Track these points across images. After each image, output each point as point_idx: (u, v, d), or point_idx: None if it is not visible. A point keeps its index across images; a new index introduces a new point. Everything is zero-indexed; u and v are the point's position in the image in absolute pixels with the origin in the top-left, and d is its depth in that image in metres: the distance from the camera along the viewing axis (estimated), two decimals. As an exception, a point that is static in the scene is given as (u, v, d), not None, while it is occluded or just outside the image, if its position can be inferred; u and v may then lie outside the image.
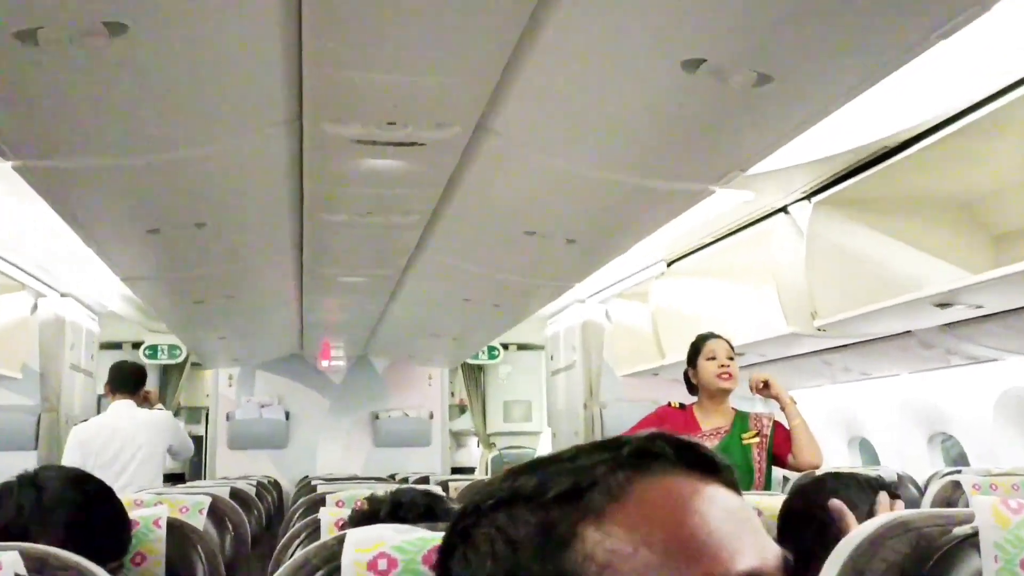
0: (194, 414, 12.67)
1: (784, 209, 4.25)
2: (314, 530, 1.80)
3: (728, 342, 3.59)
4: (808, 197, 4.03)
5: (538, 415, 10.06)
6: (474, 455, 12.31)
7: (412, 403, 8.10)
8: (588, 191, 2.76)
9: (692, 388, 3.55)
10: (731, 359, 3.52)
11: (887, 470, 4.59)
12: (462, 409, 11.79)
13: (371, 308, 5.39)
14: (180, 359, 9.31)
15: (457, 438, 12.50)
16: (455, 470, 10.46)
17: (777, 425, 3.48)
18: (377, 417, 7.98)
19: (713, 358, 3.49)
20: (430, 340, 6.24)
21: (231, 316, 5.07)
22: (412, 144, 2.49)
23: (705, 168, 2.49)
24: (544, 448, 10.12)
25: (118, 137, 2.33)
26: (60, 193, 2.55)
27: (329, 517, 1.75)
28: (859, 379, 5.29)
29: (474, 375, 10.44)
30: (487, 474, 10.03)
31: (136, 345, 9.23)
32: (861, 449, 5.92)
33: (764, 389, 3.55)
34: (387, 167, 2.70)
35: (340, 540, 0.99)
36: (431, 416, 8.08)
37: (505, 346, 9.74)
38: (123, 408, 4.72)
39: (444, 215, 3.26)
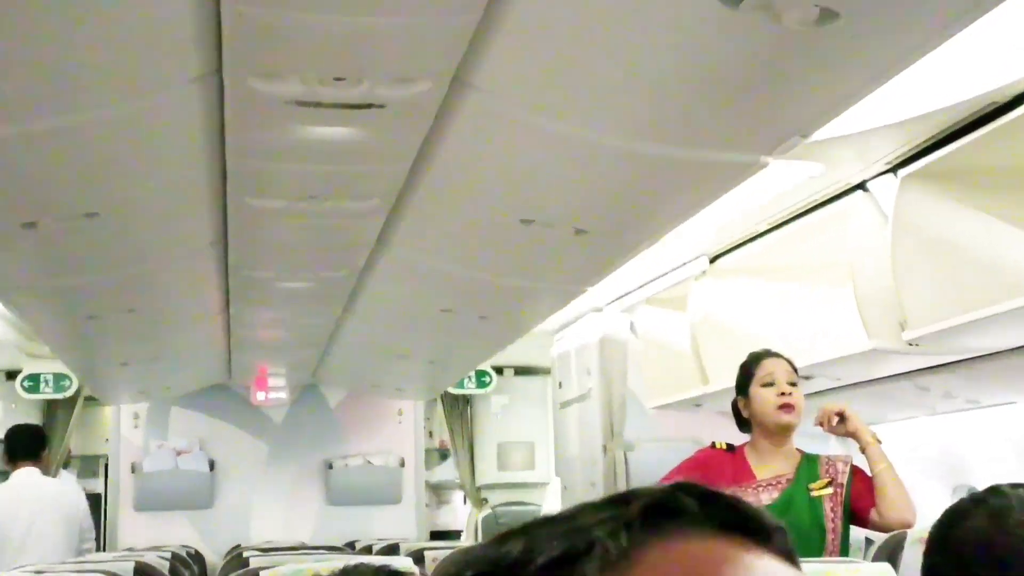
0: (89, 465, 12.67)
1: (862, 186, 4.26)
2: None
3: (790, 362, 3.61)
4: (893, 170, 4.03)
5: (543, 461, 10.05)
6: (460, 515, 12.31)
7: (377, 447, 8.11)
8: (602, 165, 2.76)
9: (743, 423, 3.56)
10: (794, 385, 3.53)
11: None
12: (443, 454, 11.80)
13: (320, 322, 5.40)
14: (70, 392, 9.30)
15: (438, 492, 12.51)
16: (435, 535, 10.46)
17: (856, 471, 3.48)
18: (331, 466, 7.99)
19: (771, 384, 3.48)
20: (399, 363, 6.25)
21: (135, 335, 5.08)
22: (368, 106, 2.50)
23: (755, 133, 2.50)
24: (552, 505, 10.14)
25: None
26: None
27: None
28: (965, 409, 5.30)
29: (459, 409, 10.44)
30: (477, 539, 10.04)
31: (11, 375, 9.23)
32: (969, 501, 5.92)
33: (839, 424, 3.55)
34: (334, 136, 2.70)
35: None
36: (402, 464, 8.09)
37: (499, 370, 9.74)
38: (27, 477, 5.00)
39: (413, 199, 3.27)
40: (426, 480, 9.60)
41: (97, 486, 12.78)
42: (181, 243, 3.73)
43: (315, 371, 7.27)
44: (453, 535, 11.65)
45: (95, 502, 12.78)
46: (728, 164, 2.67)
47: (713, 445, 3.56)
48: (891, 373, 4.91)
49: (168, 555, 4.86)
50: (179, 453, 7.84)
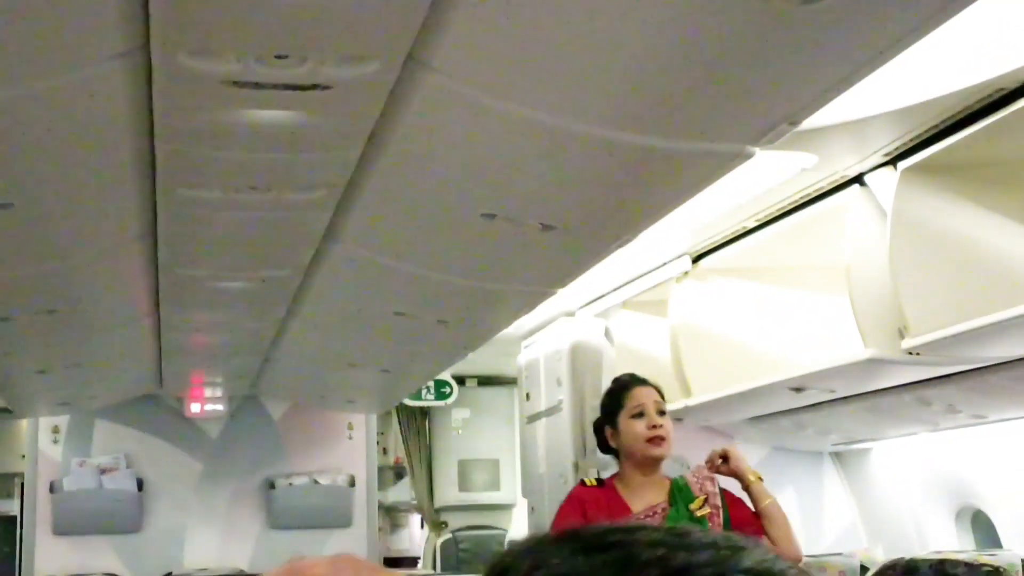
0: (3, 484, 12.60)
1: (859, 179, 4.29)
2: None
3: (658, 389, 3.90)
4: (892, 162, 4.06)
5: (509, 481, 10.07)
6: (417, 540, 12.31)
7: (324, 465, 8.09)
8: (571, 155, 2.77)
9: (608, 450, 3.83)
10: (663, 414, 3.78)
11: (1012, 556, 4.63)
12: (399, 473, 11.80)
13: (261, 327, 5.38)
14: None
15: (392, 515, 12.52)
16: (388, 562, 10.46)
17: (729, 497, 3.74)
18: (273, 486, 7.97)
19: (640, 415, 3.72)
20: (348, 373, 6.24)
21: (54, 339, 5.05)
22: (312, 87, 2.49)
23: (739, 120, 2.51)
24: (518, 529, 10.14)
25: None
26: None
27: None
28: (970, 424, 5.34)
29: (416, 423, 10.44)
30: (435, 568, 10.04)
31: (-84, 383, 9.16)
32: (974, 525, 5.98)
33: (722, 464, 3.89)
34: (276, 120, 2.69)
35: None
36: (352, 483, 8.08)
37: (460, 380, 9.74)
38: None
39: (363, 190, 3.26)
40: (379, 501, 9.59)
41: (12, 507, 12.72)
42: (105, 237, 3.71)
43: (255, 381, 7.24)
44: (408, 562, 11.66)
45: (10, 525, 12.78)
46: (710, 154, 2.68)
47: (583, 482, 3.80)
48: (890, 385, 4.94)
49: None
50: (104, 471, 7.79)
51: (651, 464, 3.71)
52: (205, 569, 7.54)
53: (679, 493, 3.70)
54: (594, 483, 3.79)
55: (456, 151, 2.89)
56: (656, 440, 3.67)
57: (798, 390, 5.02)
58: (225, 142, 2.85)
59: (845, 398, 5.32)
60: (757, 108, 2.45)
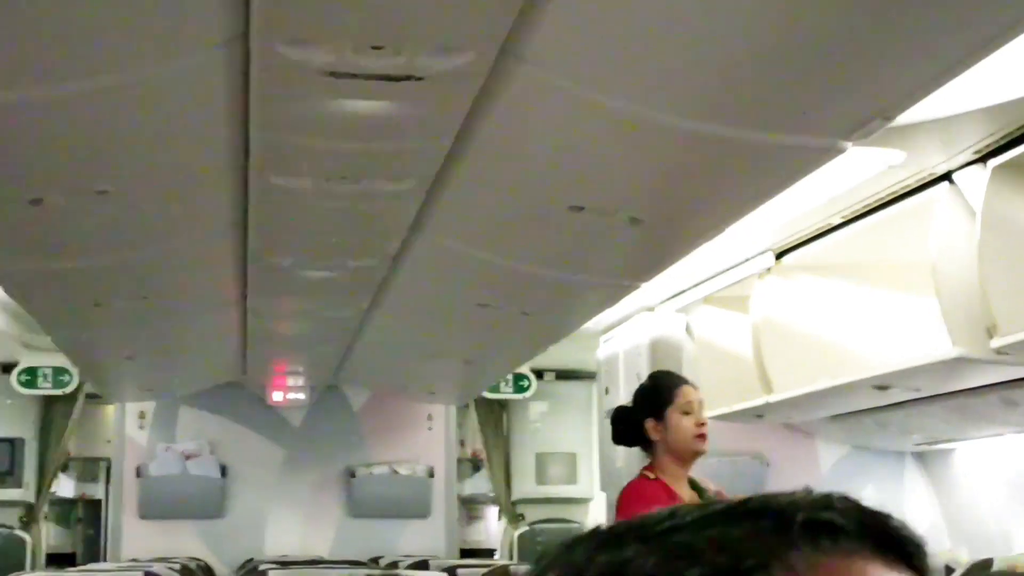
0: (89, 468, 12.82)
1: (947, 177, 4.24)
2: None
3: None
4: (982, 160, 4.01)
5: (586, 474, 10.05)
6: (493, 532, 12.34)
7: (404, 455, 8.14)
8: (662, 148, 2.77)
9: (644, 444, 3.86)
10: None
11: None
12: (476, 465, 11.83)
13: (345, 316, 5.42)
14: (70, 388, 9.39)
15: (469, 507, 12.55)
16: (465, 553, 10.49)
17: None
18: (353, 475, 8.03)
19: (690, 412, 3.80)
20: (430, 363, 6.28)
21: (144, 326, 5.13)
22: (407, 78, 2.51)
23: (833, 115, 2.50)
24: (596, 522, 10.10)
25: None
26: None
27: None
28: (1059, 427, 5.26)
29: (494, 416, 10.45)
30: (512, 559, 10.06)
31: (7, 368, 9.34)
32: (1059, 529, 5.89)
33: None
34: (370, 110, 2.72)
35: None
36: (431, 474, 8.12)
37: (539, 374, 9.74)
38: None
39: (452, 181, 3.28)
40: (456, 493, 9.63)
41: (97, 491, 12.95)
42: (198, 225, 3.77)
43: (337, 370, 7.30)
44: (485, 553, 11.69)
45: (95, 508, 13.01)
46: (802, 148, 2.67)
47: (646, 476, 3.87)
48: (976, 385, 4.88)
49: (177, 567, 4.90)
50: (188, 457, 7.90)
51: (692, 459, 3.81)
52: (285, 556, 7.62)
53: (696, 487, 3.81)
54: (653, 477, 3.88)
55: (546, 143, 2.90)
56: (702, 437, 3.80)
57: (882, 388, 4.97)
58: (319, 131, 2.88)
59: (929, 397, 5.26)
60: (851, 102, 2.43)
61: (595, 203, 3.21)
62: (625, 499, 3.87)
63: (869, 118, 2.47)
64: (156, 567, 4.25)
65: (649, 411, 3.86)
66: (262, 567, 4.26)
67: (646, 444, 3.89)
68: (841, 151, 2.63)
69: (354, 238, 4.00)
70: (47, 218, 3.24)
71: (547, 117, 2.73)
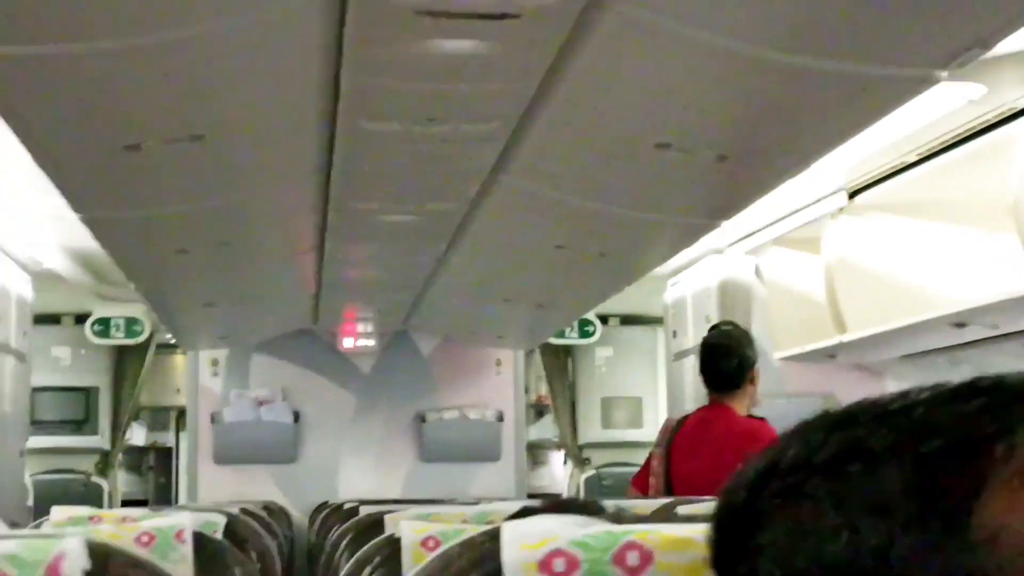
0: (159, 418, 13.04)
1: (1030, 110, 4.21)
2: (390, 556, 1.88)
3: None
4: (1067, 92, 3.98)
5: (652, 418, 10.10)
6: (558, 477, 12.43)
7: (473, 399, 8.20)
8: (751, 81, 2.77)
9: (734, 387, 4.31)
10: None
11: None
12: (539, 411, 11.91)
13: (419, 261, 5.47)
14: (142, 338, 9.56)
15: (534, 452, 12.63)
16: (532, 497, 10.58)
17: None
18: (424, 420, 8.10)
19: None
20: (502, 308, 6.32)
21: (224, 273, 5.20)
22: (501, 16, 2.52)
23: (929, 43, 2.48)
24: (660, 466, 10.16)
25: (88, 13, 2.41)
26: (11, 89, 2.65)
27: (414, 535, 1.82)
28: None
29: (559, 362, 10.52)
30: (578, 503, 10.12)
31: (80, 318, 9.50)
32: None
33: None
34: (461, 50, 2.74)
35: (493, 536, 1.05)
36: (500, 418, 8.18)
37: (604, 319, 9.79)
38: None
39: (538, 121, 3.30)
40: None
41: (168, 439, 13.17)
42: (283, 170, 3.81)
43: (408, 317, 7.36)
44: (551, 497, 11.77)
45: (166, 456, 13.23)
46: (895, 79, 2.65)
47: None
48: (1054, 321, 4.86)
49: (262, 506, 4.99)
50: (261, 403, 7.99)
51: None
52: (359, 498, 7.72)
53: None
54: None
55: (635, 79, 2.90)
56: None
57: (960, 325, 4.96)
58: (410, 73, 2.90)
59: (1005, 335, 5.23)
60: (948, 29, 2.41)
61: (682, 140, 3.21)
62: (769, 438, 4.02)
63: (967, 47, 2.44)
64: (233, 508, 4.30)
65: (754, 358, 4.35)
66: (348, 505, 4.32)
67: (737, 387, 4.26)
68: (936, 82, 2.61)
69: (435, 182, 4.02)
70: (142, 164, 3.29)
71: (637, 53, 2.73)
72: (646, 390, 10.18)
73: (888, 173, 5.24)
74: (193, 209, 3.99)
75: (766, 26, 2.52)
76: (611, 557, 1.02)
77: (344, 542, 2.89)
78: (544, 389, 11.03)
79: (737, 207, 3.89)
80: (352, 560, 2.01)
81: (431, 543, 1.78)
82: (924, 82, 2.62)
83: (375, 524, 2.76)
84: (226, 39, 2.63)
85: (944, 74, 2.57)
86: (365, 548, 2.03)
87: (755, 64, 2.65)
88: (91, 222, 3.92)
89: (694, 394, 7.03)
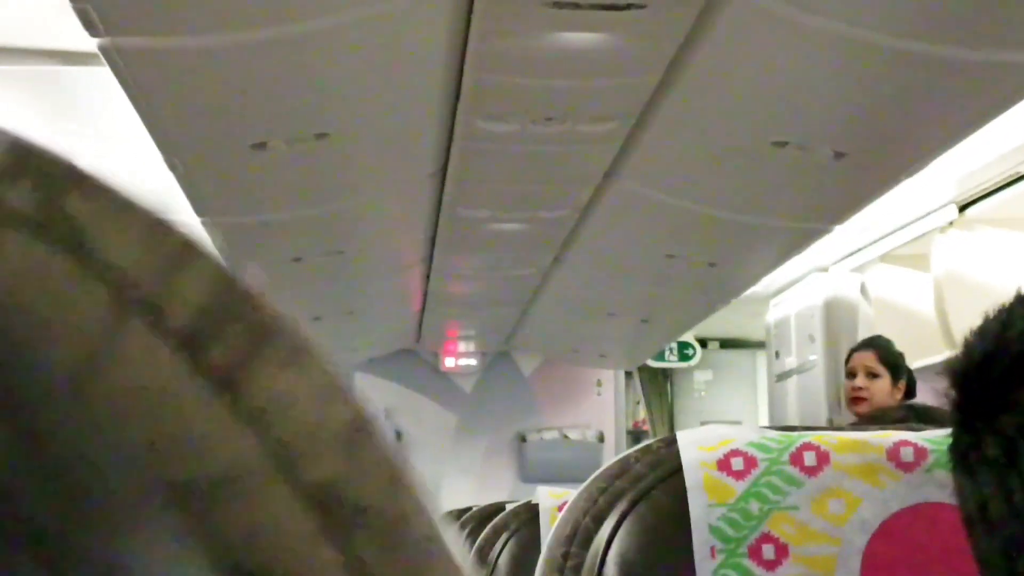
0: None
1: None
2: (528, 519, 1.91)
3: (882, 350, 4.18)
4: None
5: (751, 443, 10.02)
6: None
7: (574, 420, 8.21)
8: (873, 71, 2.77)
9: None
10: (874, 376, 4.07)
11: None
12: (637, 437, 11.85)
13: (527, 273, 5.50)
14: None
15: (630, 478, 12.57)
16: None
17: None
18: (524, 439, 8.12)
19: (852, 375, 4.10)
20: (605, 323, 6.32)
21: (335, 283, 5.26)
22: (627, 7, 2.57)
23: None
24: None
25: (221, 5, 2.49)
26: (147, 81, 2.74)
27: (552, 499, 1.85)
28: None
29: (658, 385, 10.48)
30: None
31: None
32: None
33: None
34: (585, 44, 2.78)
35: (669, 442, 1.07)
36: (601, 439, 8.17)
37: (703, 343, 9.74)
38: None
39: (653, 121, 3.33)
40: (621, 463, 9.65)
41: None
42: (401, 173, 3.86)
43: (510, 336, 7.40)
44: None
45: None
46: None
47: None
48: None
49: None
50: (364, 423, 8.05)
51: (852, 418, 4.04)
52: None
53: None
54: None
55: (754, 74, 2.92)
56: (854, 400, 4.07)
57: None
58: (532, 69, 2.95)
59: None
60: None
61: (799, 137, 3.22)
62: None
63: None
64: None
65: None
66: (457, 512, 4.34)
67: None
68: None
69: (547, 187, 4.06)
70: (267, 165, 3.36)
71: (759, 42, 2.75)
72: (746, 414, 10.10)
73: (1000, 185, 5.17)
74: (311, 214, 4.06)
75: (889, 12, 2.53)
76: (788, 457, 1.04)
77: (467, 528, 2.92)
78: (642, 414, 10.99)
79: (850, 209, 3.88)
80: (489, 527, 2.04)
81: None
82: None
83: (498, 510, 2.78)
84: (355, 31, 2.70)
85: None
86: (501, 515, 2.06)
87: (877, 52, 2.66)
88: (212, 227, 4.01)
89: (797, 415, 6.98)
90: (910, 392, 4.14)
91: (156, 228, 0.21)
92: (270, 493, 0.20)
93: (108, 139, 4.09)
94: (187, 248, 0.21)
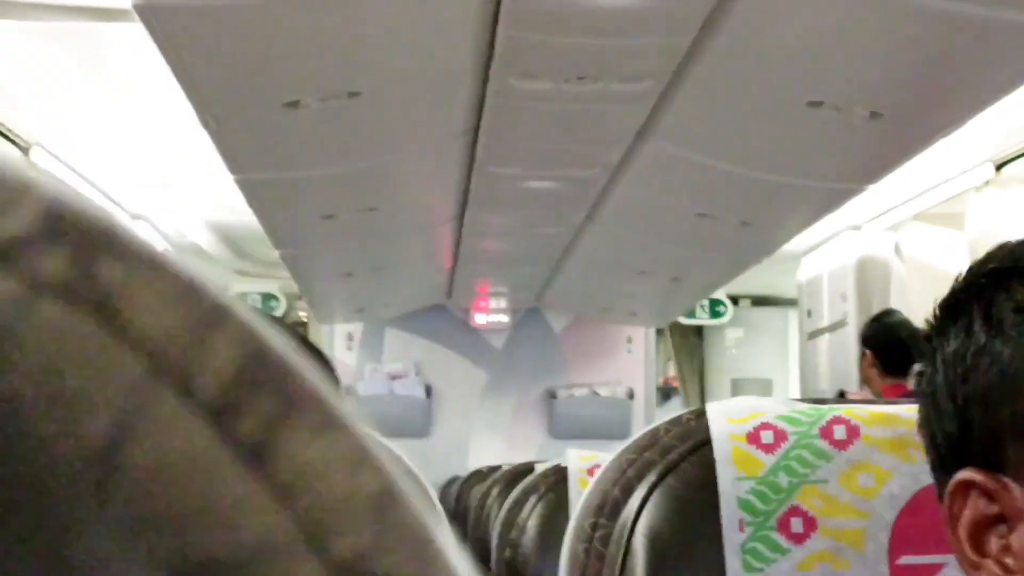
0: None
1: None
2: (557, 481, 1.92)
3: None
4: None
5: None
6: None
7: (604, 377, 8.22)
8: (910, 31, 2.74)
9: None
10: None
11: None
12: (666, 393, 11.88)
13: (557, 232, 5.50)
14: (277, 314, 9.73)
15: (660, 435, 12.60)
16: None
17: None
18: (554, 396, 8.14)
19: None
20: (636, 281, 6.32)
21: (367, 240, 5.28)
22: (662, -35, 2.55)
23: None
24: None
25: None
26: (181, 38, 2.74)
27: (581, 462, 1.86)
28: None
29: (689, 343, 10.49)
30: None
31: (219, 293, 9.68)
32: None
33: None
34: (622, 2, 2.76)
35: (699, 413, 1.08)
36: (631, 396, 8.18)
37: (734, 300, 9.72)
38: None
39: (687, 81, 3.31)
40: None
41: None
42: (434, 131, 3.86)
43: (541, 293, 7.41)
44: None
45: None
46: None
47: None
48: None
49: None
50: (394, 377, 8.09)
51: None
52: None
53: None
54: None
55: (791, 32, 2.90)
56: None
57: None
58: (567, 27, 2.93)
59: None
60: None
61: (835, 97, 3.20)
62: None
63: None
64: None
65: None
66: (487, 469, 4.38)
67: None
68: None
69: (580, 146, 4.05)
70: (300, 123, 3.37)
71: (794, 3, 2.73)
72: (776, 372, 10.10)
73: (1038, 144, 5.13)
74: (343, 172, 4.07)
75: (929, -26, 2.51)
76: (818, 431, 1.05)
77: (496, 490, 2.93)
78: (672, 371, 11.00)
79: (884, 169, 3.85)
80: (518, 488, 2.05)
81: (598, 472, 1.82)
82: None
83: (527, 471, 2.79)
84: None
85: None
86: (531, 477, 2.07)
87: (917, 11, 2.63)
88: (245, 184, 4.02)
89: (828, 374, 6.97)
90: None
91: (188, 291, 0.21)
92: (301, 569, 0.20)
93: (141, 96, 4.10)
94: (218, 312, 0.21)
